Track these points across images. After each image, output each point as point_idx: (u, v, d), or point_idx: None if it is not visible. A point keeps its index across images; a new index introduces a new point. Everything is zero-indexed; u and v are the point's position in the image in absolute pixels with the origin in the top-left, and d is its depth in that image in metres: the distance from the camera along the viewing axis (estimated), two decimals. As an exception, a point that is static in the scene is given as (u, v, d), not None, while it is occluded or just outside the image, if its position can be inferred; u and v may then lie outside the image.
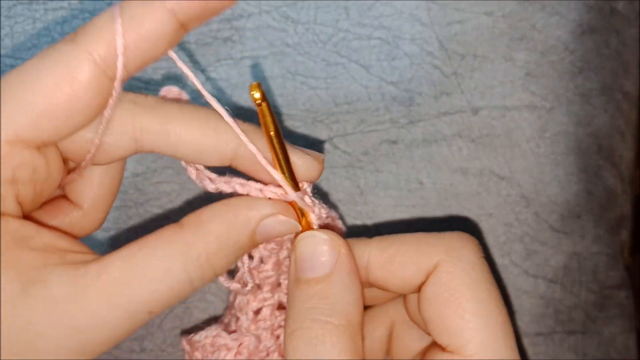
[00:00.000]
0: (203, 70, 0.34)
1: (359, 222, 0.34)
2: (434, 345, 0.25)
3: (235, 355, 0.29)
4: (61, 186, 0.28)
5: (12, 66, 0.33)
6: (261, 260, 0.29)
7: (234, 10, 0.34)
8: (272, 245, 0.28)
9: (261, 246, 0.28)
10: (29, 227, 0.24)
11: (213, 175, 0.27)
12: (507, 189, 0.35)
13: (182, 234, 0.25)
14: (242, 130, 0.26)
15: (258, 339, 0.29)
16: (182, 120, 0.26)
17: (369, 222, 0.34)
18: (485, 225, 0.35)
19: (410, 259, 0.26)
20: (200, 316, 0.34)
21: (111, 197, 0.29)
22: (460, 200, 0.35)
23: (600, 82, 0.37)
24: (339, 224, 0.30)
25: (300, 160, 0.27)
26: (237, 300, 0.29)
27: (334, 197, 0.34)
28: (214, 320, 0.33)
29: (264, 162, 0.26)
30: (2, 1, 0.33)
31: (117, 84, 0.24)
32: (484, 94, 0.35)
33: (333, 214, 0.29)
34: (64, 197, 0.29)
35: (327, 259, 0.25)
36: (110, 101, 0.24)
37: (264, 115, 0.26)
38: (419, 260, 0.25)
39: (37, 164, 0.25)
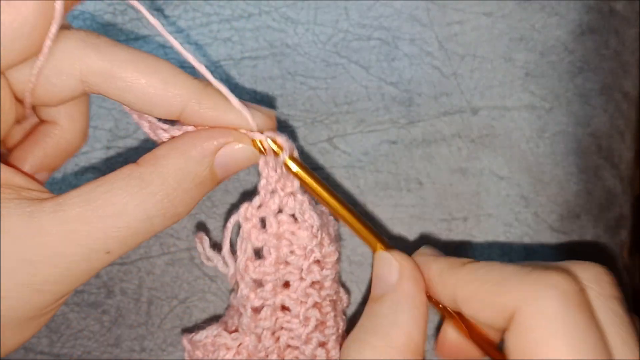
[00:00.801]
0: (203, 71, 0.34)
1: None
2: None
3: (235, 355, 0.29)
4: (29, 114, 0.27)
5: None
6: (260, 256, 0.29)
7: (234, 10, 0.34)
8: (267, 236, 0.28)
9: (259, 236, 0.28)
10: None
11: (165, 125, 0.26)
12: (506, 189, 0.35)
13: (139, 170, 0.24)
14: (195, 84, 0.26)
15: (258, 338, 0.29)
16: (132, 66, 0.25)
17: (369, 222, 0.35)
18: (484, 226, 0.35)
19: (490, 299, 0.23)
20: (200, 316, 0.34)
21: (84, 105, 0.28)
22: (459, 200, 0.35)
23: (600, 82, 0.37)
24: (331, 219, 0.30)
25: (255, 115, 0.26)
26: (237, 294, 0.29)
27: (334, 197, 0.34)
28: (214, 319, 0.33)
29: (232, 97, 0.26)
30: (2, 2, 0.33)
31: (58, 7, 0.23)
32: (484, 94, 0.35)
33: (323, 208, 0.29)
34: (41, 122, 0.28)
35: (389, 278, 0.26)
36: (52, 28, 0.23)
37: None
38: (497, 302, 0.23)
39: None
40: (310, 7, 0.34)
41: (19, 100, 0.26)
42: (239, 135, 0.26)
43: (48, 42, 0.24)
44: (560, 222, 0.36)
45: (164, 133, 0.26)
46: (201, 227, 0.34)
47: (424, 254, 0.27)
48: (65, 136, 0.28)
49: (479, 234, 0.35)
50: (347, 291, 0.34)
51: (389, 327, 0.25)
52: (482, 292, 0.24)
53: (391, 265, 0.26)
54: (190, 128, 0.26)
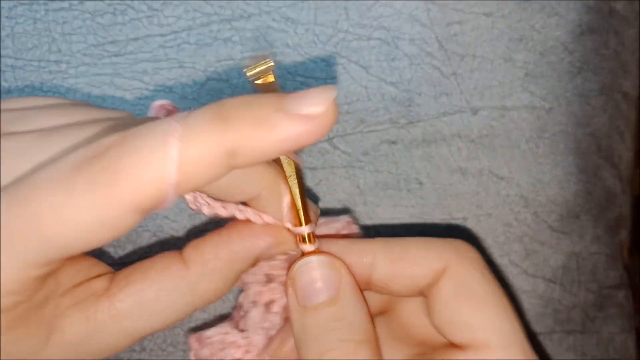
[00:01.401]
0: (203, 71, 0.34)
1: (358, 222, 0.34)
2: (448, 346, 0.25)
3: (245, 354, 0.29)
4: None
5: (13, 66, 0.33)
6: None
7: (234, 10, 0.34)
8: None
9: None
10: None
11: (210, 200, 0.26)
12: (506, 189, 0.35)
13: (188, 276, 0.25)
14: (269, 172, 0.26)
15: (268, 336, 0.29)
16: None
17: (368, 222, 0.35)
18: (484, 225, 0.35)
19: (421, 257, 0.26)
20: (201, 316, 0.34)
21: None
22: (459, 200, 0.35)
23: (600, 82, 0.37)
24: (354, 228, 0.30)
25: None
26: (250, 291, 0.29)
27: (334, 197, 0.34)
28: (220, 319, 0.33)
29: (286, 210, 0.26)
30: (2, 2, 0.34)
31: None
32: (483, 94, 0.35)
33: (347, 218, 0.29)
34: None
35: (330, 281, 0.25)
36: None
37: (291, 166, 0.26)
38: (429, 259, 0.25)
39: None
40: (310, 7, 0.35)
41: None
42: (282, 235, 0.26)
43: None
44: (560, 222, 0.36)
45: (207, 208, 0.26)
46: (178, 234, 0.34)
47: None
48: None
49: (479, 234, 0.35)
50: None
51: (362, 322, 0.26)
52: (410, 253, 0.26)
53: (332, 267, 0.26)
54: (234, 206, 0.26)
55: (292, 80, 0.34)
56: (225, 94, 0.34)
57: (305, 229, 0.26)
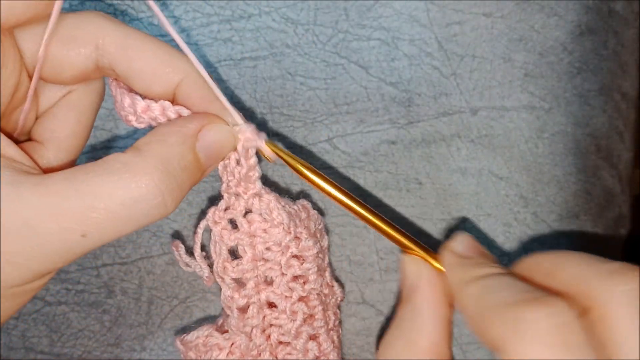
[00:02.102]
0: (203, 71, 0.34)
1: (358, 222, 0.35)
2: None
3: (228, 355, 0.29)
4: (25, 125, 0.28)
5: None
6: (236, 256, 0.29)
7: (234, 11, 0.34)
8: (240, 234, 0.29)
9: (231, 236, 0.29)
10: None
11: (145, 100, 0.27)
12: (505, 189, 0.35)
13: (123, 156, 0.24)
14: (191, 69, 0.26)
15: (248, 337, 0.29)
16: (142, 39, 0.26)
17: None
18: (484, 225, 0.35)
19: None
20: (200, 315, 0.34)
21: (83, 133, 0.28)
22: (459, 200, 0.35)
23: (599, 82, 0.37)
24: (314, 213, 0.30)
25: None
26: (222, 296, 0.29)
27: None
28: (208, 320, 0.33)
29: (215, 88, 0.26)
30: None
31: None
32: (483, 94, 0.35)
33: (304, 202, 0.30)
34: (29, 141, 0.28)
35: (410, 282, 0.27)
36: None
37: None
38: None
39: None
40: (310, 7, 0.35)
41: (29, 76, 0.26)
42: (218, 120, 0.27)
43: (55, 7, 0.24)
44: (560, 222, 0.36)
45: (145, 112, 0.27)
46: (178, 235, 0.34)
47: (451, 252, 0.27)
48: (49, 159, 0.28)
49: (478, 234, 0.35)
50: (342, 285, 0.34)
51: (410, 331, 0.26)
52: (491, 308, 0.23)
53: (410, 269, 0.27)
54: (171, 107, 0.27)
55: (292, 80, 0.34)
56: (225, 94, 0.34)
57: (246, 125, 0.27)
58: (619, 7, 0.38)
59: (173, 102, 0.27)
